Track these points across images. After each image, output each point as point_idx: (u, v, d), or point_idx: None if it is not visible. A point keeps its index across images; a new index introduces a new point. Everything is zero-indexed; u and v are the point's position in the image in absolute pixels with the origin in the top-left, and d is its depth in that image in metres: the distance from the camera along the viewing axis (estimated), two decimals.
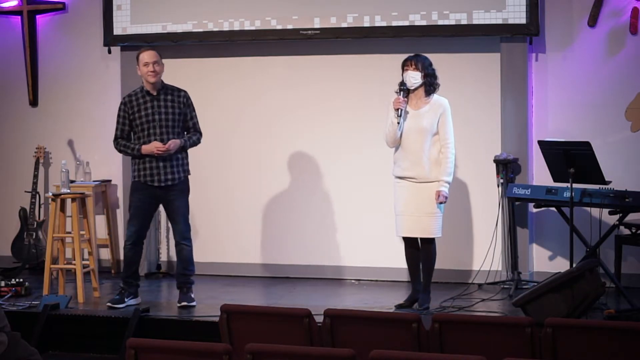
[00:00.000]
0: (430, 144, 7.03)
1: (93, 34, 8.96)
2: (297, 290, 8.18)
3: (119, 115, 7.42)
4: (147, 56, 7.28)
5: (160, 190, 7.31)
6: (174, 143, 7.23)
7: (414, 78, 7.02)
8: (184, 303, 7.36)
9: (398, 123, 6.99)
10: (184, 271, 7.45)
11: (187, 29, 8.60)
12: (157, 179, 7.28)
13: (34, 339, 6.74)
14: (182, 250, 7.43)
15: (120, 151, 7.49)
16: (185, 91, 7.43)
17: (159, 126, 7.27)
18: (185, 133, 7.43)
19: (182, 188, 7.38)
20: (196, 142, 7.46)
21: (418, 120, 7.04)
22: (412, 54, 7.15)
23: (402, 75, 7.07)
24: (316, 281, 8.47)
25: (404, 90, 7.01)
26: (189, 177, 7.46)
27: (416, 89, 7.07)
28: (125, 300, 7.43)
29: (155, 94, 7.32)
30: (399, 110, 7.00)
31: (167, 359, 4.53)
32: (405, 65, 7.07)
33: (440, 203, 7.01)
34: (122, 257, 8.87)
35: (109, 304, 7.41)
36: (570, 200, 7.10)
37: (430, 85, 7.06)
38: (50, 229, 7.76)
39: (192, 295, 7.43)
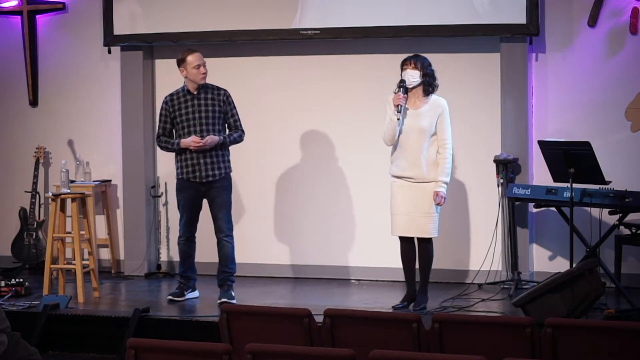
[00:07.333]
0: (429, 144, 7.04)
1: (93, 34, 8.95)
2: (297, 290, 8.18)
3: (160, 114, 7.59)
4: (196, 59, 7.41)
5: (203, 186, 7.44)
6: (211, 139, 7.35)
7: (413, 77, 7.03)
8: (224, 299, 7.38)
9: (398, 119, 6.99)
10: (225, 268, 7.53)
11: (187, 29, 8.60)
12: (198, 175, 7.40)
13: (34, 339, 6.74)
14: (224, 247, 7.52)
15: (162, 148, 7.63)
16: (225, 89, 7.57)
17: (199, 124, 7.41)
18: (227, 130, 7.55)
19: (224, 184, 7.50)
20: (237, 140, 7.58)
21: (417, 120, 7.04)
22: (411, 54, 7.18)
23: (401, 74, 7.08)
24: (316, 281, 8.47)
25: (403, 87, 7.01)
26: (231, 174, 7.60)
27: (415, 88, 7.07)
28: (185, 293, 7.55)
29: (195, 93, 7.45)
30: (399, 106, 6.99)
31: (167, 359, 4.53)
32: (404, 64, 7.08)
33: (438, 204, 7.01)
34: (122, 257, 8.96)
35: (169, 297, 7.53)
36: (570, 200, 7.10)
37: (429, 85, 7.07)
38: (50, 229, 7.76)
39: (233, 293, 7.48)
